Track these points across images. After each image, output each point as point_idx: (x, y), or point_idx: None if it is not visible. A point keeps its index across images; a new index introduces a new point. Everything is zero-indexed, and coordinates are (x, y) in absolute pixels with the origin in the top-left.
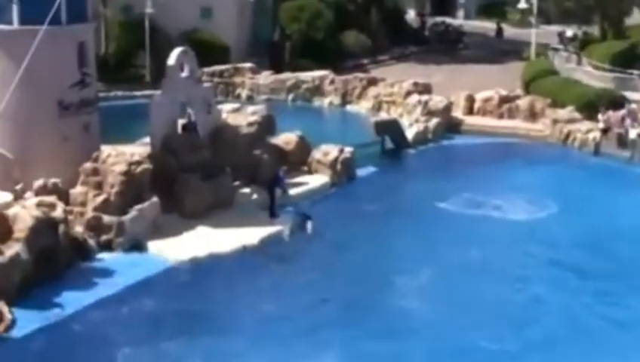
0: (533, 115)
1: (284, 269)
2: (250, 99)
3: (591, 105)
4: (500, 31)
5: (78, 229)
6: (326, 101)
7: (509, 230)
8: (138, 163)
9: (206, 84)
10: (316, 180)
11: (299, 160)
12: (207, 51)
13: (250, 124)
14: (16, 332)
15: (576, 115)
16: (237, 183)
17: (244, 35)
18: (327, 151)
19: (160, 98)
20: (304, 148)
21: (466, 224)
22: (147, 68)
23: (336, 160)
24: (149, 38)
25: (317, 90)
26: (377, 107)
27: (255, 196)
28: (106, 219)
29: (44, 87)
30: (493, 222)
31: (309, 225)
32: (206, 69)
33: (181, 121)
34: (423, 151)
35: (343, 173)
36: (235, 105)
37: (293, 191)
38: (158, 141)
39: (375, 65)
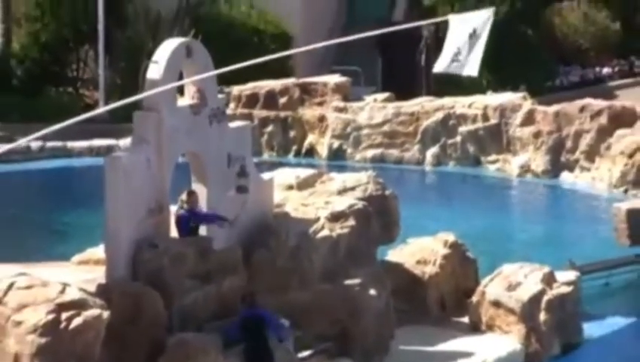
0: None
1: None
2: (337, 158)
3: None
4: None
5: None
6: (516, 164)
7: None
8: (77, 307)
9: (236, 124)
10: (491, 349)
11: (452, 296)
12: (239, 47)
13: (338, 217)
14: None
15: None
16: None
17: (326, 13)
18: (514, 281)
19: (128, 156)
20: (464, 270)
21: None
22: (100, 85)
23: (536, 301)
24: (105, 14)
25: (493, 138)
26: (634, 179)
27: None
28: None
29: None
30: None
31: None
32: (237, 89)
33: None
34: None
35: (554, 331)
36: (304, 172)
37: None
38: (122, 257)
39: (631, 80)
